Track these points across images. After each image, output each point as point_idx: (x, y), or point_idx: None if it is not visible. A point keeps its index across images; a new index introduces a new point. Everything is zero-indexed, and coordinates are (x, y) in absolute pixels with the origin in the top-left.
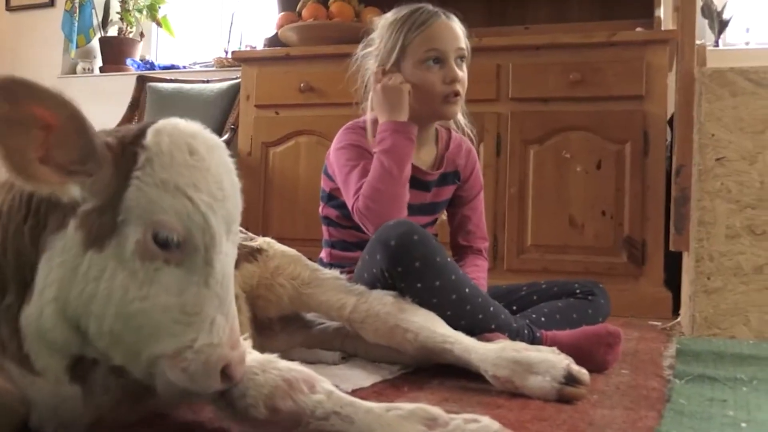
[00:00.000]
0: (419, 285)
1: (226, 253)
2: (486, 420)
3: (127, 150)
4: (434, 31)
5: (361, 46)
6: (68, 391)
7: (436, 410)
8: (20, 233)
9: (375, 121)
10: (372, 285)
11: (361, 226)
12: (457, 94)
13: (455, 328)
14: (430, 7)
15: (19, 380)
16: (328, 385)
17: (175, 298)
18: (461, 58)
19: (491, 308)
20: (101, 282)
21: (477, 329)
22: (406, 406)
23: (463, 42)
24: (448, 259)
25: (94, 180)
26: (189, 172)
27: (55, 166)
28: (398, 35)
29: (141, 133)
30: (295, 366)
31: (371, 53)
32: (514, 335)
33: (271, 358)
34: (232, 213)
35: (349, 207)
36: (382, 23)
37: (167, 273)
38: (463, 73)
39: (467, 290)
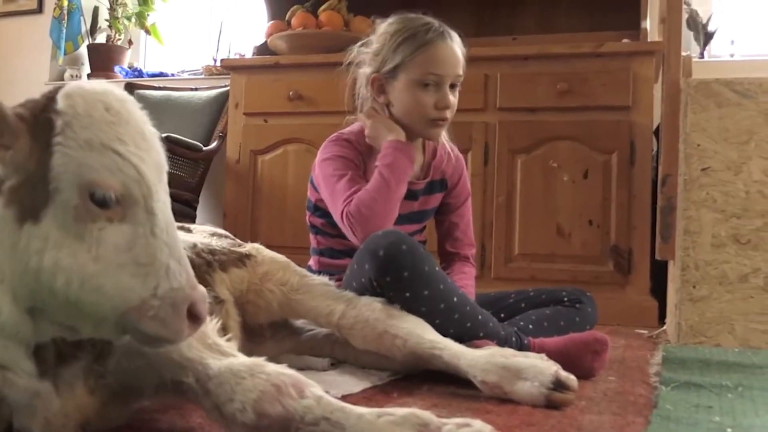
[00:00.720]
0: (408, 294)
1: (164, 201)
2: (478, 424)
3: (40, 118)
4: (436, 55)
5: (358, 44)
6: (39, 387)
7: (428, 415)
8: None
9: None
10: (360, 294)
11: (346, 232)
12: (445, 119)
13: (445, 335)
14: (436, 25)
15: None
16: (318, 389)
17: (126, 253)
18: (456, 83)
19: (479, 316)
20: (46, 252)
21: (465, 337)
22: (398, 411)
23: (461, 68)
24: (437, 269)
25: (13, 153)
26: (110, 128)
27: None
28: (400, 48)
29: (51, 100)
30: (284, 370)
31: (367, 56)
32: (503, 342)
33: (260, 362)
34: (160, 161)
35: (338, 213)
36: (385, 29)
37: (112, 230)
38: (454, 99)
39: (455, 299)
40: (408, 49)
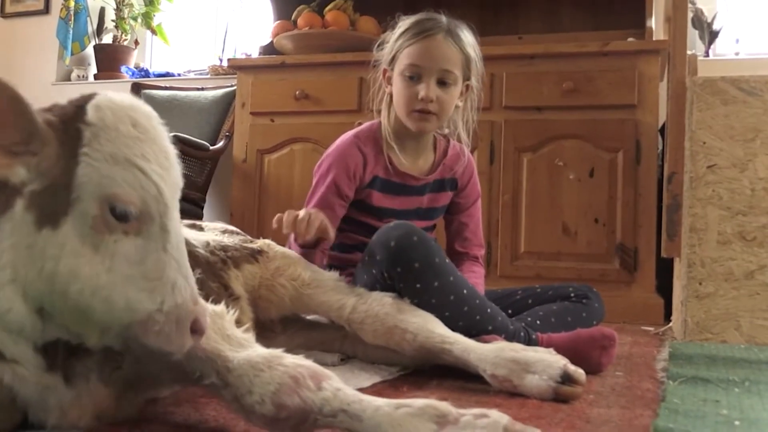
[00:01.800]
0: (418, 286)
1: (177, 218)
2: (495, 414)
3: (69, 127)
4: (422, 48)
5: (383, 35)
6: (49, 381)
7: (446, 406)
8: None
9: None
10: (371, 286)
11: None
12: (426, 112)
13: (453, 329)
14: (441, 21)
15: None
16: (336, 381)
17: (137, 267)
18: (444, 79)
19: (488, 310)
20: (61, 259)
21: (474, 330)
22: (416, 402)
23: (453, 65)
24: (447, 261)
25: (40, 159)
26: (136, 144)
27: None
28: (399, 38)
29: (80, 110)
30: (302, 362)
31: (385, 48)
32: (511, 337)
33: (278, 353)
34: (177, 180)
35: None
36: (401, 22)
37: (127, 243)
38: (445, 95)
39: (465, 291)
40: (401, 41)
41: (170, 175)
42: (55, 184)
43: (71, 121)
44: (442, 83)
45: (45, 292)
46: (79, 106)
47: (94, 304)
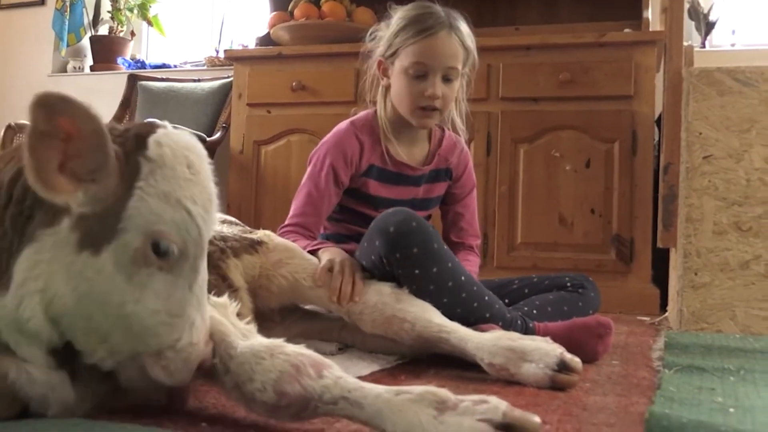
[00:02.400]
0: (417, 272)
1: (206, 259)
2: (494, 400)
3: (130, 159)
4: (428, 45)
5: (375, 26)
6: (56, 379)
7: (445, 392)
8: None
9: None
10: (370, 272)
11: (280, 232)
12: (432, 108)
13: (451, 316)
14: (441, 15)
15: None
16: (337, 370)
17: (163, 302)
18: (448, 75)
19: (486, 297)
20: (96, 283)
21: (472, 318)
22: (415, 389)
23: (457, 61)
24: (445, 247)
25: (98, 188)
26: (188, 186)
27: (70, 175)
28: (400, 33)
29: (142, 142)
30: (303, 350)
31: (380, 39)
32: (508, 325)
33: (279, 342)
34: (215, 222)
35: (288, 218)
36: (398, 13)
37: (159, 278)
38: (448, 90)
39: (463, 278)
40: (404, 36)
41: (210, 219)
42: (106, 212)
43: (132, 153)
44: (446, 79)
45: (70, 309)
46: (142, 138)
47: (114, 331)
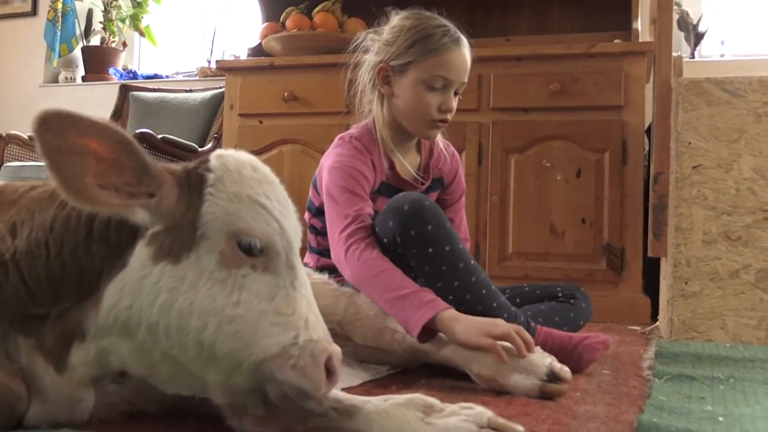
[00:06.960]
0: (431, 250)
1: (300, 260)
2: (479, 407)
3: (192, 174)
4: (449, 60)
5: (368, 31)
6: (83, 393)
7: (432, 399)
8: (82, 251)
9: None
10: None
11: (336, 247)
12: (445, 122)
13: (461, 301)
14: (452, 29)
15: (37, 377)
16: None
17: (268, 303)
18: (460, 90)
19: (492, 287)
20: (180, 293)
21: (480, 306)
22: (403, 396)
23: (467, 76)
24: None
25: (159, 200)
26: (257, 185)
27: (114, 189)
28: (414, 45)
29: (203, 161)
30: None
31: (377, 44)
32: (512, 318)
33: None
34: (297, 224)
35: (338, 227)
36: (400, 22)
37: (256, 279)
38: (455, 104)
39: (472, 262)
40: (422, 49)
41: (289, 213)
42: (179, 223)
43: (194, 168)
44: (454, 94)
45: (154, 323)
46: (202, 159)
47: (220, 339)
